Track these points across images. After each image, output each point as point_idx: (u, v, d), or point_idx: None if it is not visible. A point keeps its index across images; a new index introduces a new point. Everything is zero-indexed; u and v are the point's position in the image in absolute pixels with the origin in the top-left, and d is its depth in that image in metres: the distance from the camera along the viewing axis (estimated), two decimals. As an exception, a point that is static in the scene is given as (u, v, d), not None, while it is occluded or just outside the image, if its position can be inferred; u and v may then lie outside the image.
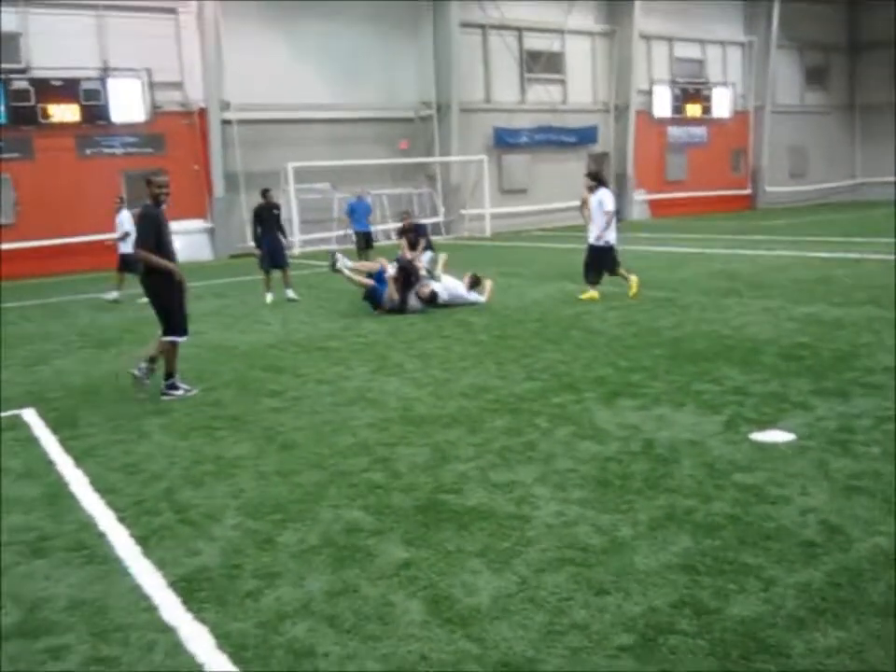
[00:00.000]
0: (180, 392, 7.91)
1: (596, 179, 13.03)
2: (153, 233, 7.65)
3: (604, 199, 12.65)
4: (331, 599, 3.81)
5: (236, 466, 5.72)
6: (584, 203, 15.23)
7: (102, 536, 4.64)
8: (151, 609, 3.81)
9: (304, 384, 8.11)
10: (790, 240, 21.23)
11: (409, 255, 14.62)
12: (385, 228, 29.64)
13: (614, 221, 12.84)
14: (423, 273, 13.12)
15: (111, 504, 5.12)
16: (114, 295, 15.95)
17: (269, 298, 14.48)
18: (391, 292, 12.46)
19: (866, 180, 43.25)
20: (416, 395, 7.42)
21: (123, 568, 4.22)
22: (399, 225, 16.81)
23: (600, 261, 12.88)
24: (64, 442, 6.53)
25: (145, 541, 4.53)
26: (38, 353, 10.77)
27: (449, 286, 12.95)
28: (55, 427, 6.99)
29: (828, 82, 43.48)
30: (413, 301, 12.55)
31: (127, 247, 15.83)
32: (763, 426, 5.97)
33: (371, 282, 12.89)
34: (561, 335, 9.87)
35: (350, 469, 5.50)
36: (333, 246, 27.75)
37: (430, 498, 4.91)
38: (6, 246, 22.99)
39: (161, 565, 4.23)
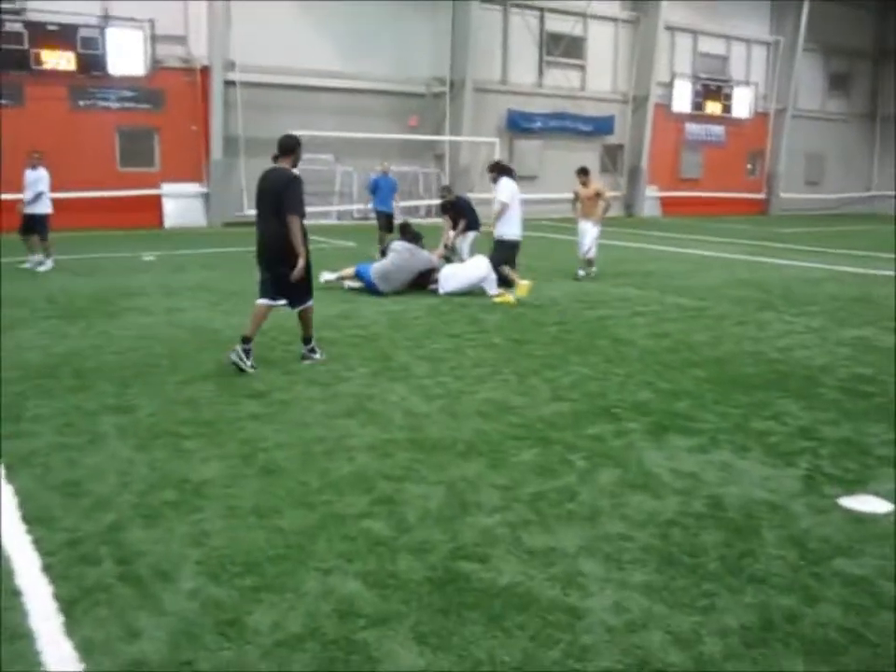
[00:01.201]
0: (318, 356, 7.83)
1: (496, 169, 12.04)
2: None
3: (499, 189, 11.71)
4: (314, 731, 2.72)
5: (203, 495, 4.59)
6: (577, 196, 14.28)
7: (17, 595, 3.52)
8: (60, 729, 2.72)
9: (294, 384, 6.97)
10: (813, 250, 20.15)
11: (451, 236, 13.86)
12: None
13: (516, 215, 11.76)
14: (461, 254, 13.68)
15: (39, 543, 3.98)
16: (47, 264, 14.23)
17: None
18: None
19: (882, 193, 42.20)
20: (425, 409, 6.29)
21: (34, 653, 3.11)
22: (440, 202, 15.31)
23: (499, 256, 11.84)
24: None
25: (71, 608, 3.41)
26: (2, 320, 9.57)
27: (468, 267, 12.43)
28: (-6, 419, 5.87)
29: (851, 89, 42.34)
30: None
31: (38, 208, 14.42)
32: (851, 487, 4.89)
33: (358, 283, 12.30)
34: (587, 344, 8.75)
35: (345, 512, 4.38)
36: (333, 221, 26.62)
37: (449, 568, 3.80)
38: (-13, 196, 21.71)
39: (86, 650, 3.12)
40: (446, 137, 28.93)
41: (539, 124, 31.43)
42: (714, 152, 37.23)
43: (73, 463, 5.05)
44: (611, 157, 34.00)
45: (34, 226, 14.35)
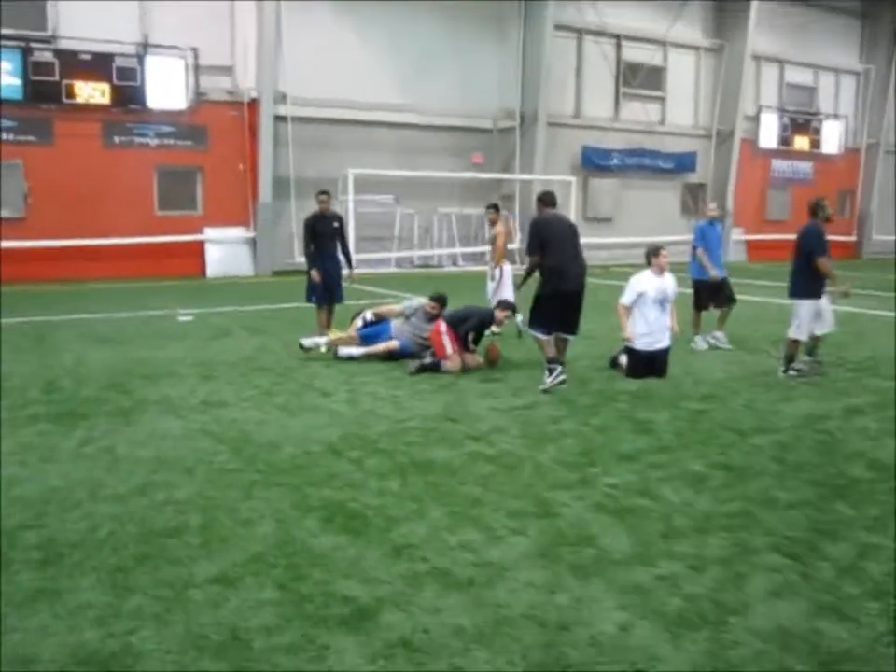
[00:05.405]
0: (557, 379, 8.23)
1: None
2: None
3: None
4: None
5: None
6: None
7: None
8: None
9: (413, 579, 3.97)
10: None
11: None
12: (451, 252, 25.74)
13: None
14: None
15: None
16: None
17: (324, 342, 10.40)
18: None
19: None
20: None
21: None
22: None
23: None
24: None
25: None
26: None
27: None
28: None
29: (948, 122, 38.92)
30: None
31: None
32: None
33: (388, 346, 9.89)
34: (848, 483, 5.55)
35: None
36: (391, 269, 23.85)
37: None
38: (9, 244, 19.26)
39: None
40: (516, 175, 26.16)
41: (615, 161, 28.58)
42: (801, 191, 33.84)
43: None
44: (693, 197, 30.98)
45: None
